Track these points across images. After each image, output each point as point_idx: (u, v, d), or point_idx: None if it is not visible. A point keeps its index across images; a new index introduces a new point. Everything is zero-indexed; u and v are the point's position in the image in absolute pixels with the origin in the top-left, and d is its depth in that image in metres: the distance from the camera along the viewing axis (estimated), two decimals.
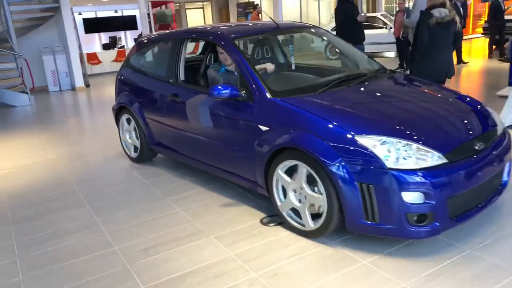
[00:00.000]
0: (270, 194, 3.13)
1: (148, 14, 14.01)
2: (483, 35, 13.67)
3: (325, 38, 4.51)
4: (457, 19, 4.92)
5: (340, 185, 2.60)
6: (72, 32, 11.01)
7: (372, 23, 12.35)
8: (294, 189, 2.92)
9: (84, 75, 11.49)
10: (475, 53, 12.70)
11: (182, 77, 4.05)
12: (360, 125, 2.73)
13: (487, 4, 17.20)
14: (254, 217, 3.31)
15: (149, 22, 13.94)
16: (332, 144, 2.67)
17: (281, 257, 2.76)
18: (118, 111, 4.87)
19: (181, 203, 3.67)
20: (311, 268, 2.62)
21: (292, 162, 2.88)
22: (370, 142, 2.59)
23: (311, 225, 2.86)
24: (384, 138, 2.60)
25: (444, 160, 2.58)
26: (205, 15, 20.98)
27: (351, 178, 2.57)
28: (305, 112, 2.91)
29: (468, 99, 3.41)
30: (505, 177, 3.04)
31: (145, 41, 4.94)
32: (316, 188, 2.80)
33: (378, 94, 3.35)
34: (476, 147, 2.75)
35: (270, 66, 3.96)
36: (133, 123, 4.63)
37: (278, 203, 3.07)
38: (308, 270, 2.60)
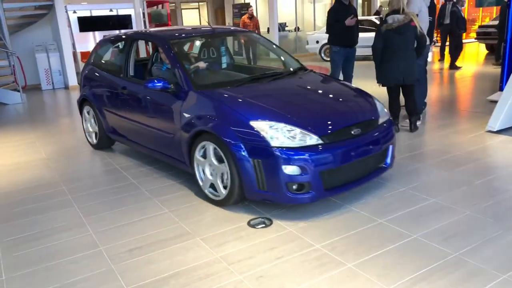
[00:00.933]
0: (193, 170, 3.70)
1: (143, 13, 13.97)
2: (476, 40, 13.74)
3: (258, 42, 5.21)
4: (417, 24, 4.96)
5: (239, 161, 3.17)
6: (65, 30, 10.95)
7: (366, 26, 12.39)
8: (210, 164, 3.50)
9: (77, 73, 11.41)
10: (469, 58, 12.76)
11: (131, 72, 4.64)
12: (255, 113, 3.34)
13: (480, 8, 17.30)
14: (241, 219, 3.30)
15: (144, 22, 13.91)
16: (233, 128, 3.25)
17: (267, 259, 2.75)
18: (81, 103, 5.45)
19: (169, 204, 3.66)
20: (296, 270, 2.62)
21: (206, 143, 3.46)
22: (261, 126, 3.18)
23: (223, 192, 3.41)
24: (272, 123, 3.19)
25: (320, 142, 3.16)
26: (201, 15, 20.97)
27: (247, 155, 3.14)
28: (216, 102, 3.56)
29: (359, 93, 4.00)
30: (388, 159, 3.66)
31: (105, 41, 5.48)
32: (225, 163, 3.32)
33: (282, 88, 3.99)
34: (352, 132, 3.33)
35: (201, 64, 4.52)
36: (92, 113, 5.21)
37: (200, 183, 3.65)
38: (294, 273, 2.59)
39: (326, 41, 6.70)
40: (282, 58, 4.77)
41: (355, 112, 3.64)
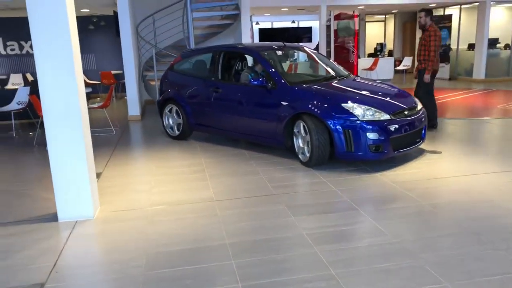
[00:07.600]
0: (286, 145, 5.30)
1: (328, 26, 12.79)
2: None
3: (314, 57, 6.68)
4: None
5: (333, 131, 4.76)
6: (248, 41, 10.38)
7: None
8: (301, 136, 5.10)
9: None
10: None
11: (220, 76, 6.07)
12: (343, 98, 4.98)
13: None
14: None
15: (328, 35, 12.74)
16: (328, 109, 4.84)
17: None
18: (162, 104, 6.69)
19: None
20: None
21: (302, 122, 5.00)
22: (349, 106, 4.82)
23: (307, 154, 4.99)
24: (356, 105, 4.82)
25: (390, 117, 4.82)
26: (386, 28, 18.96)
27: (339, 126, 4.73)
28: (308, 93, 5.15)
29: (400, 89, 5.65)
30: (423, 133, 5.38)
31: (188, 52, 6.81)
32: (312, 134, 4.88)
33: (347, 85, 5.55)
34: (406, 113, 5.05)
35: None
36: (175, 110, 6.51)
37: (296, 149, 5.18)
38: None
39: None
40: (333, 68, 6.26)
41: (404, 100, 5.27)
